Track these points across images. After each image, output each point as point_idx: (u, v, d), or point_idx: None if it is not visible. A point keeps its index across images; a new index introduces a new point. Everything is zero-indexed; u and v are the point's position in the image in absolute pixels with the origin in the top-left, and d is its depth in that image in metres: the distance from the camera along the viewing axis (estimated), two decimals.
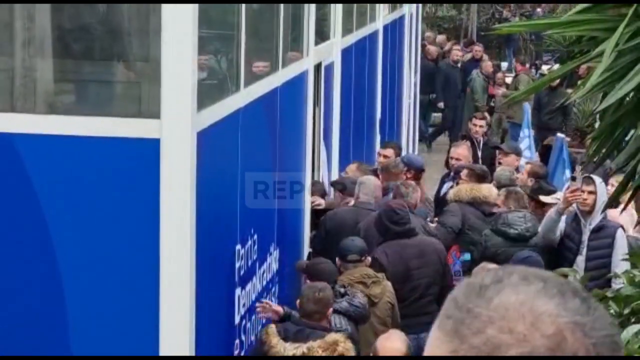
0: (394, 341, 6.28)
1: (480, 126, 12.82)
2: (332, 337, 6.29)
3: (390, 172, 9.64)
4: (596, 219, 8.12)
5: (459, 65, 19.72)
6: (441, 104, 19.52)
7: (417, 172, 9.98)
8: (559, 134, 12.26)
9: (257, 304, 6.77)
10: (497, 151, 11.88)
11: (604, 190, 8.07)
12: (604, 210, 7.73)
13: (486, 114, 18.23)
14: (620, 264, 7.37)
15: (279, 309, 6.71)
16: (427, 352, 1.27)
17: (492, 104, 18.71)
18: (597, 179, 8.18)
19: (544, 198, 9.42)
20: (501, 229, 8.46)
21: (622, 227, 8.16)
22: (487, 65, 19.14)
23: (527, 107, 13.95)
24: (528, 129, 12.94)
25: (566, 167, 10.89)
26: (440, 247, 8.03)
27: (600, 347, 1.22)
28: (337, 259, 7.50)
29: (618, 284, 4.72)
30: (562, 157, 10.96)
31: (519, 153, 11.03)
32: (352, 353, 6.27)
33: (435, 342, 1.26)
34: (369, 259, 7.56)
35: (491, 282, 1.26)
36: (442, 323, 1.26)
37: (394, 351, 6.19)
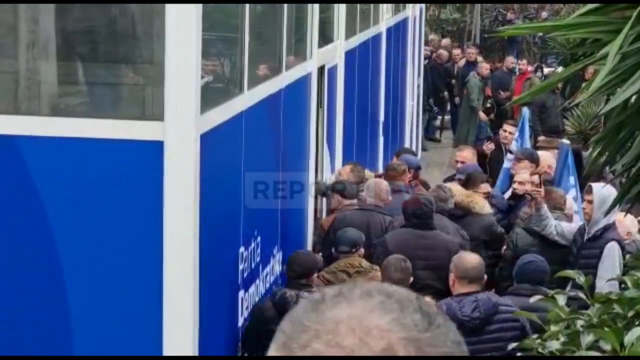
0: None
1: (510, 133, 12.65)
2: None
3: (390, 175, 9.71)
4: (594, 228, 8.01)
5: (456, 68, 20.03)
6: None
7: (416, 171, 10.28)
8: (564, 140, 12.21)
9: None
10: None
11: (604, 198, 7.86)
12: (607, 214, 7.61)
13: (482, 114, 18.43)
14: (603, 276, 7.24)
15: None
16: None
17: (488, 105, 18.78)
18: (597, 188, 8.04)
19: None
20: (534, 228, 8.48)
21: (618, 241, 7.91)
22: (484, 67, 19.22)
23: (526, 111, 13.86)
24: (520, 133, 12.79)
25: (571, 174, 10.85)
26: (455, 247, 8.03)
27: None
28: (333, 249, 7.83)
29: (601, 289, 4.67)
30: (567, 163, 10.92)
31: (533, 159, 10.88)
32: None
33: (269, 355, 1.23)
34: (362, 250, 7.73)
35: (330, 296, 1.23)
36: (276, 336, 1.23)
37: None
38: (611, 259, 7.69)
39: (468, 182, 9.51)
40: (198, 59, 5.21)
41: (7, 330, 5.27)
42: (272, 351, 1.23)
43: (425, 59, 19.79)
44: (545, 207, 8.43)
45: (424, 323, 1.19)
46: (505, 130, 12.85)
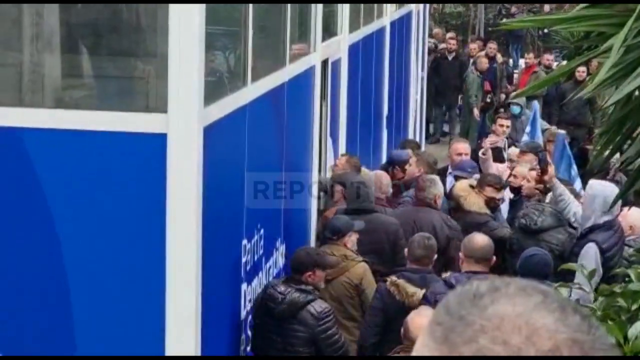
0: (423, 316, 6.31)
1: (507, 126, 12.57)
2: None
3: (432, 167, 9.92)
4: (583, 225, 7.97)
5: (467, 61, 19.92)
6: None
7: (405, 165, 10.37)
8: (560, 131, 12.13)
9: None
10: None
11: (595, 196, 7.75)
12: (610, 209, 7.57)
13: (475, 111, 18.42)
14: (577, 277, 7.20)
15: None
16: None
17: (487, 100, 18.75)
18: (589, 185, 7.96)
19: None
20: (520, 221, 8.49)
21: (597, 243, 7.83)
22: (483, 61, 19.15)
23: (536, 105, 13.78)
24: (532, 127, 12.66)
25: (572, 165, 10.81)
26: (393, 228, 8.06)
27: None
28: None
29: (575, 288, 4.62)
30: (567, 153, 10.88)
31: (537, 152, 10.82)
32: None
33: (422, 349, 1.20)
34: (347, 239, 7.69)
35: (486, 290, 1.21)
36: (431, 329, 1.20)
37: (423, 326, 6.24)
38: (586, 261, 7.58)
39: (479, 181, 9.51)
40: (201, 52, 5.20)
41: (9, 327, 5.27)
42: (426, 345, 1.20)
43: (451, 52, 19.69)
44: (562, 188, 8.38)
45: (584, 325, 1.19)
46: (502, 125, 12.69)
